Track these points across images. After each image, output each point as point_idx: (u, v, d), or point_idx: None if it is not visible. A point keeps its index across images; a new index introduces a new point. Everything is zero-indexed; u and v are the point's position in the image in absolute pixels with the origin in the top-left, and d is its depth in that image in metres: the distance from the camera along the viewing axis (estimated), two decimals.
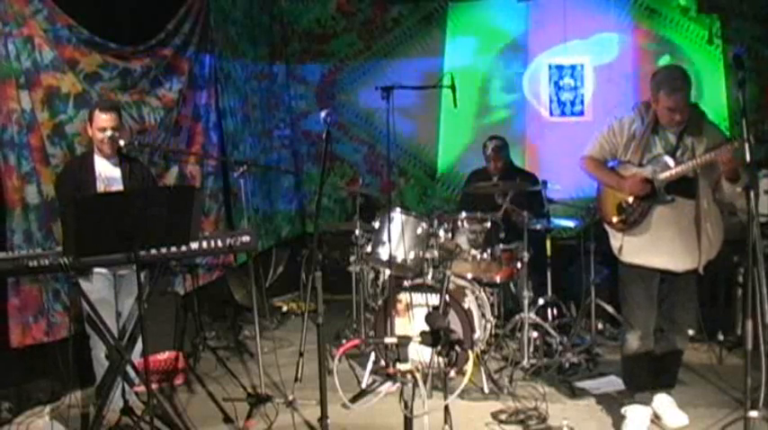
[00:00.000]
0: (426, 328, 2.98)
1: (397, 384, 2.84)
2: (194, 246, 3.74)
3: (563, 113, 7.24)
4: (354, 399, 4.38)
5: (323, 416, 3.55)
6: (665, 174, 3.67)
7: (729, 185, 3.59)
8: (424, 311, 4.27)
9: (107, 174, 4.05)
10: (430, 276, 4.74)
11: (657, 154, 3.74)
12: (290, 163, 7.88)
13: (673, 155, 3.71)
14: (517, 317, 5.14)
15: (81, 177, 4.00)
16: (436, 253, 4.77)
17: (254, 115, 7.06)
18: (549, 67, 7.22)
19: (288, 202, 7.72)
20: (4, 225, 4.20)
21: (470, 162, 6.32)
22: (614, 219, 3.87)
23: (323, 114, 3.80)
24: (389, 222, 4.39)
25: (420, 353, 3.83)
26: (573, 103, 7.22)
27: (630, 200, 3.79)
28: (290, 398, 4.29)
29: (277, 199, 7.50)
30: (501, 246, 5.21)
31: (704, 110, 3.81)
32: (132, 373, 3.88)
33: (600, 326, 5.58)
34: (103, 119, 3.98)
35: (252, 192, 4.35)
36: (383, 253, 4.66)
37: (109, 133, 3.98)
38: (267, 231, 7.05)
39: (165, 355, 4.80)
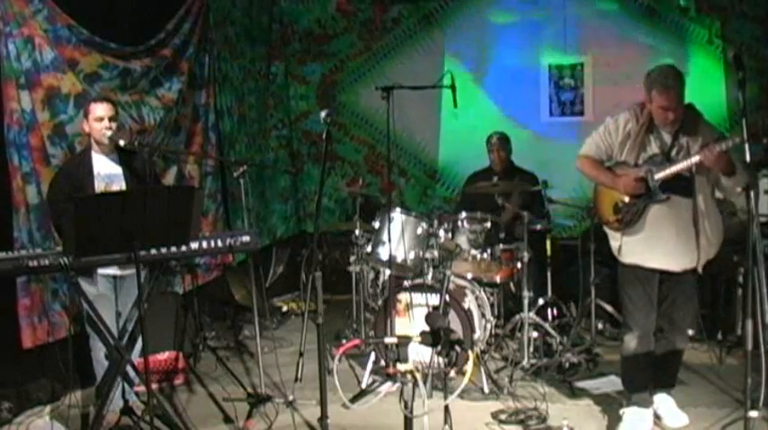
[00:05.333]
0: (426, 328, 2.98)
1: (397, 384, 2.84)
2: (194, 246, 3.74)
3: (563, 113, 7.25)
4: (354, 399, 4.38)
5: (323, 416, 3.55)
6: (660, 174, 3.68)
7: (727, 179, 3.60)
8: (424, 311, 4.27)
9: (106, 171, 4.03)
10: (430, 276, 4.74)
11: (653, 153, 3.74)
12: (288, 163, 7.89)
13: (668, 154, 3.72)
14: (517, 317, 5.14)
15: (78, 176, 3.98)
16: (436, 253, 4.77)
17: (249, 115, 7.06)
18: (549, 66, 7.23)
19: (284, 202, 7.73)
20: (11, 224, 4.20)
21: (470, 162, 6.32)
22: (611, 219, 3.88)
23: (323, 114, 3.80)
24: (389, 222, 4.39)
25: (420, 353, 3.83)
26: (573, 103, 7.23)
27: (626, 199, 3.79)
28: (290, 398, 4.29)
29: (273, 199, 7.50)
30: (501, 246, 5.22)
31: (700, 111, 3.81)
32: (132, 373, 3.88)
33: (600, 326, 5.58)
34: (100, 108, 3.97)
35: (247, 191, 4.36)
36: (383, 253, 4.66)
37: (107, 122, 3.95)
38: (262, 231, 7.04)
39: (165, 355, 4.80)
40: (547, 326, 5.16)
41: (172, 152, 5.64)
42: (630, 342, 3.85)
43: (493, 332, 5.11)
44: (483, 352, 4.84)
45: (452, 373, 4.36)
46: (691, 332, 4.17)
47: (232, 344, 5.66)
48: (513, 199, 5.41)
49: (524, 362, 4.85)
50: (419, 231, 4.73)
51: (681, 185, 3.68)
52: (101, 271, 3.95)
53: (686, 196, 3.69)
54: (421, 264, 4.74)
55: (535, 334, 5.07)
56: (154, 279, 3.90)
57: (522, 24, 7.24)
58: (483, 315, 4.89)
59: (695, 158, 3.56)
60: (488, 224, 5.09)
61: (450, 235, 4.93)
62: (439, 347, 2.93)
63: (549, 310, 5.54)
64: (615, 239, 3.90)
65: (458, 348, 2.94)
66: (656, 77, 3.66)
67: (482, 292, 5.03)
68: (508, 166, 5.90)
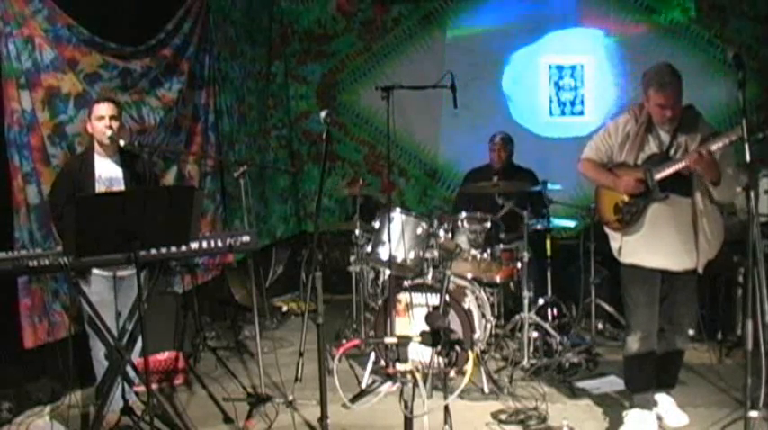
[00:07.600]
0: (426, 328, 2.98)
1: (397, 384, 2.84)
2: (194, 245, 3.74)
3: (563, 113, 7.25)
4: (354, 399, 4.38)
5: (323, 416, 3.55)
6: (659, 174, 3.70)
7: (713, 188, 3.63)
8: (424, 311, 4.27)
9: (108, 174, 4.03)
10: (430, 276, 4.74)
11: (651, 153, 3.76)
12: (287, 163, 7.88)
13: (666, 153, 3.73)
14: (517, 317, 5.14)
15: (80, 178, 3.98)
16: (436, 253, 4.77)
17: (249, 115, 7.06)
18: (549, 67, 7.23)
19: (284, 202, 7.73)
20: (11, 224, 4.20)
21: (470, 162, 6.33)
22: (612, 219, 3.90)
23: (323, 114, 3.80)
24: (389, 222, 4.38)
25: (420, 353, 3.83)
26: (573, 103, 7.23)
27: (626, 199, 3.82)
28: (290, 398, 4.29)
29: (272, 199, 7.50)
30: (501, 246, 5.21)
31: (700, 112, 3.82)
32: (132, 373, 3.88)
33: (600, 326, 5.58)
34: (101, 107, 3.98)
35: (247, 191, 4.36)
36: (383, 253, 4.66)
37: (107, 121, 3.94)
38: (262, 231, 7.04)
39: (165, 355, 4.80)
40: (547, 326, 5.16)
41: (172, 152, 5.64)
42: (633, 343, 3.85)
43: (493, 332, 5.11)
44: (483, 352, 4.84)
45: (452, 373, 4.36)
46: (691, 332, 4.16)
47: (232, 345, 5.66)
48: (512, 197, 5.40)
49: (524, 362, 4.85)
50: (419, 231, 4.73)
51: (680, 184, 3.70)
52: (100, 271, 3.95)
53: (685, 195, 3.71)
54: (421, 264, 4.74)
55: (535, 334, 5.07)
56: (154, 279, 3.90)
57: (523, 24, 7.24)
58: (483, 315, 4.89)
59: (681, 163, 3.60)
60: (488, 224, 5.09)
61: (450, 235, 4.93)
62: (439, 347, 2.93)
63: (549, 310, 5.54)
64: (615, 240, 3.92)
65: (458, 348, 2.93)
66: (653, 75, 3.69)
67: (482, 292, 5.03)
68: (508, 165, 5.90)
